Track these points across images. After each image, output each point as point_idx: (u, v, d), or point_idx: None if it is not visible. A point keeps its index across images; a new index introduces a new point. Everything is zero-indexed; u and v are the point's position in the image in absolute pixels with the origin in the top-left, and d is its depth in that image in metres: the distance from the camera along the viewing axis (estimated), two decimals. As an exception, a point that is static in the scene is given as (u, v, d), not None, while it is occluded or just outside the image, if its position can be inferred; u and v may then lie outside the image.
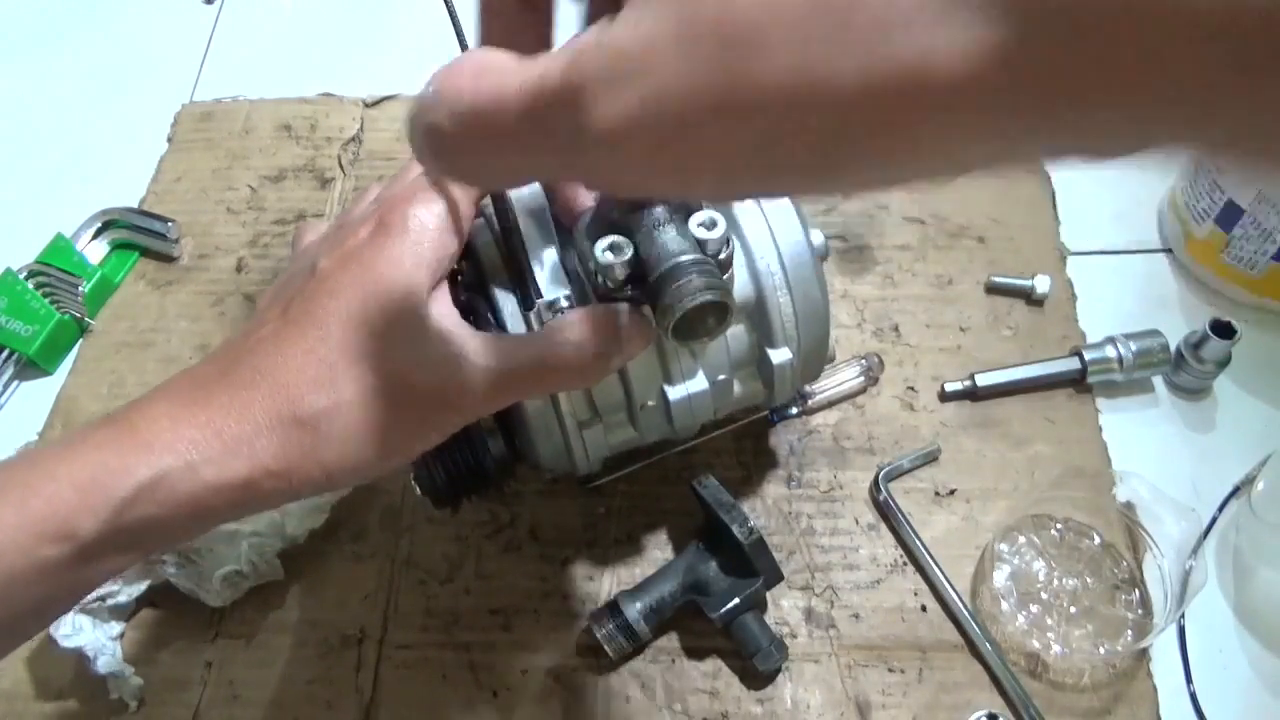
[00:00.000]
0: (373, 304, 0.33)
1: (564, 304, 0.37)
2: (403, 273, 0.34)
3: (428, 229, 0.35)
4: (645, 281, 0.34)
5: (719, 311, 0.33)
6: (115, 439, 0.31)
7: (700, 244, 0.34)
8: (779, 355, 0.42)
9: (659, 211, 0.34)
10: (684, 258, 0.33)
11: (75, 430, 0.33)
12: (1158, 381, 0.54)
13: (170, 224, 0.61)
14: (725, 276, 0.35)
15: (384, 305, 0.33)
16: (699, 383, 0.42)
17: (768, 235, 0.41)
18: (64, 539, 0.29)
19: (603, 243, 0.34)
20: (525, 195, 0.38)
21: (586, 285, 0.37)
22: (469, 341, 0.34)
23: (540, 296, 0.37)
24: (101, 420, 0.32)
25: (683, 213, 0.35)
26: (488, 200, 0.37)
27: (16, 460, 0.31)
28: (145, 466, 0.30)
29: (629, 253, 0.34)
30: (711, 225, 0.35)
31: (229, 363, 0.33)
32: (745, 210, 0.41)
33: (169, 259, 0.62)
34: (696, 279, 0.33)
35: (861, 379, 0.54)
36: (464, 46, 0.33)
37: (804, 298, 0.41)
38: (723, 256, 0.35)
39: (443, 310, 0.35)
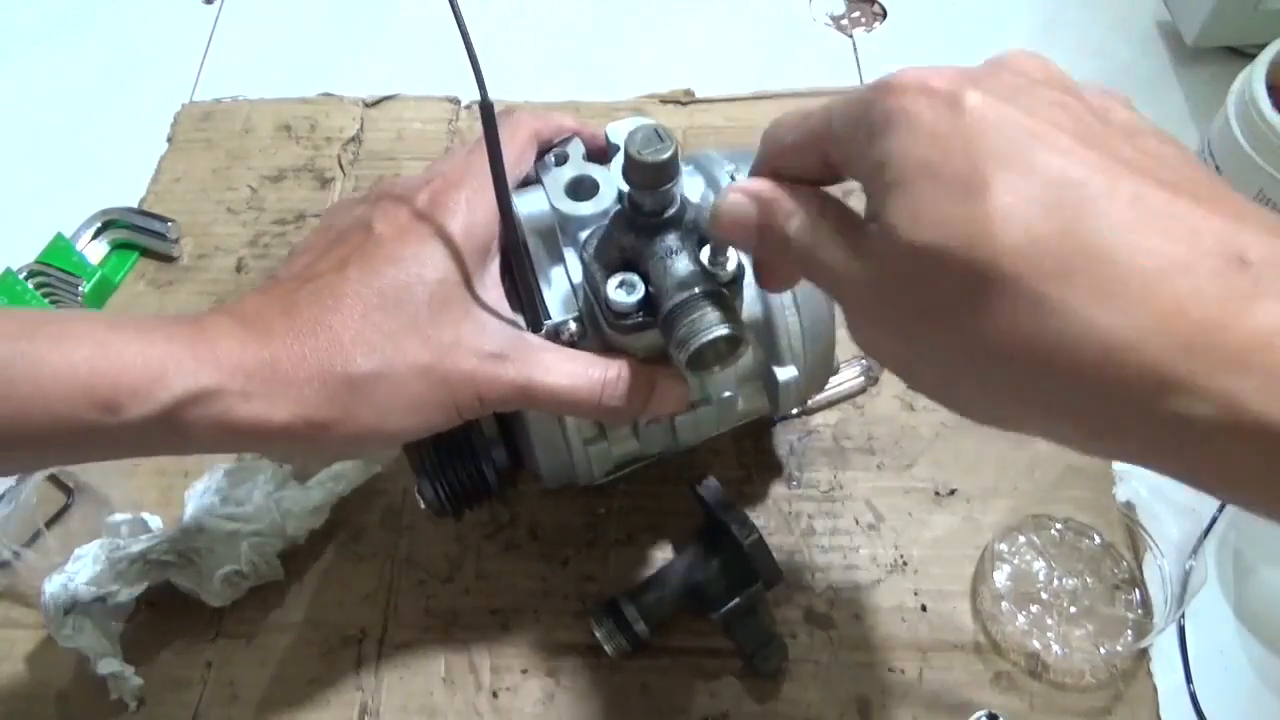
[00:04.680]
0: (431, 280, 0.34)
1: (573, 327, 0.37)
2: (457, 256, 0.34)
3: (478, 212, 0.35)
4: (656, 309, 0.34)
5: (733, 343, 0.33)
6: (188, 339, 0.32)
7: (711, 273, 0.34)
8: (785, 373, 0.42)
9: (671, 239, 0.34)
10: (698, 289, 0.33)
11: (147, 315, 0.33)
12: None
13: (170, 224, 0.61)
14: (735, 299, 0.35)
15: (441, 284, 0.34)
16: (705, 401, 0.42)
17: None
18: (110, 411, 0.30)
19: (615, 280, 0.35)
20: (534, 214, 0.38)
21: (596, 308, 0.37)
22: (513, 338, 0.35)
23: (549, 318, 0.37)
24: (173, 317, 0.33)
25: (694, 240, 0.35)
26: None
27: (94, 319, 0.32)
28: (207, 376, 0.31)
29: (641, 290, 0.34)
30: (724, 258, 0.35)
31: (288, 304, 0.33)
32: None
33: (169, 259, 0.62)
34: (711, 313, 0.33)
35: (862, 379, 0.54)
36: (469, 47, 0.32)
37: (811, 315, 0.41)
38: (734, 281, 0.35)
39: (493, 298, 0.36)
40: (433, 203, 0.35)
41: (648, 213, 0.34)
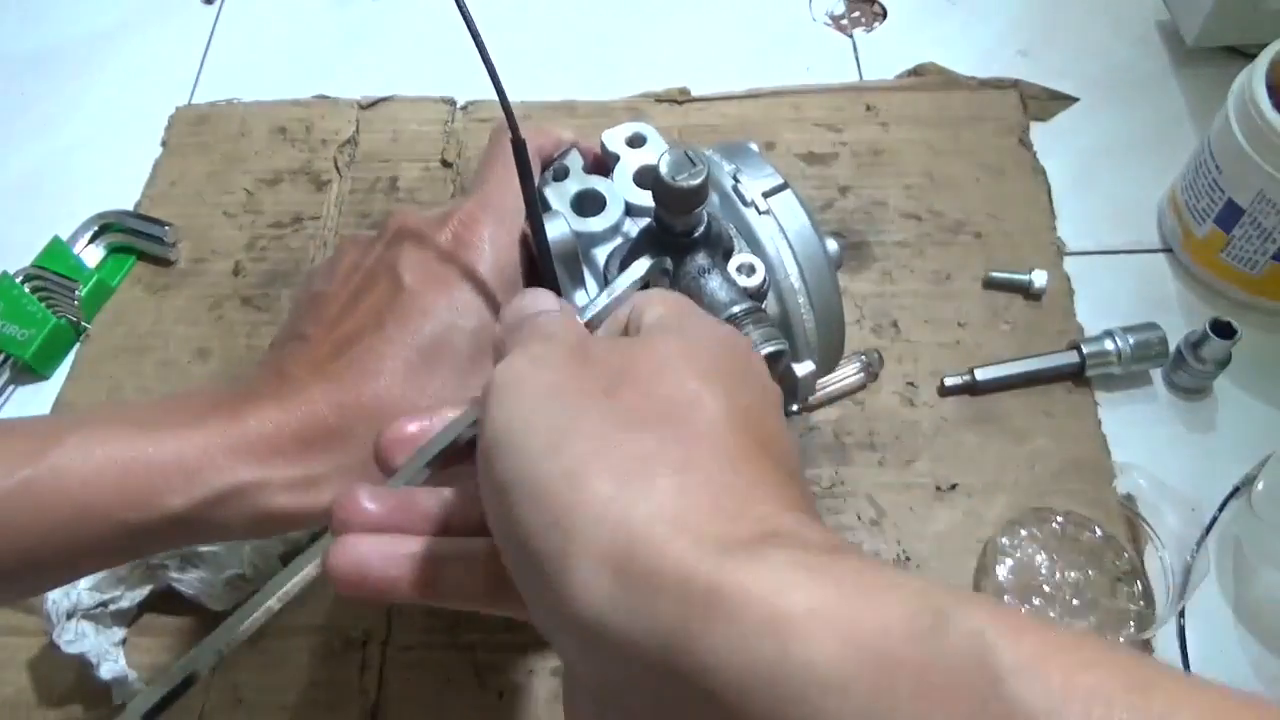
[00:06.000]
0: (469, 329, 0.33)
1: None
2: (490, 298, 0.34)
3: (502, 246, 0.35)
4: None
5: (778, 358, 0.34)
6: (225, 430, 0.30)
7: (743, 288, 0.34)
8: (804, 368, 0.42)
9: (701, 258, 0.35)
10: (737, 308, 0.33)
11: (183, 395, 0.32)
12: (1156, 378, 0.54)
13: (168, 228, 0.61)
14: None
15: (478, 332, 0.33)
16: None
17: (789, 250, 0.41)
18: (151, 508, 0.29)
19: None
20: (556, 239, 0.38)
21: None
22: None
23: None
24: (210, 397, 0.32)
25: (720, 256, 0.35)
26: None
27: (120, 419, 0.30)
28: (246, 471, 0.30)
29: None
30: (751, 271, 0.35)
31: (328, 373, 0.32)
32: (762, 225, 0.41)
33: (166, 263, 0.61)
34: (755, 331, 0.33)
35: (861, 375, 0.54)
36: (479, 47, 0.32)
37: (824, 308, 0.41)
38: (760, 291, 0.35)
39: None
40: (457, 243, 0.34)
41: (678, 234, 0.34)
